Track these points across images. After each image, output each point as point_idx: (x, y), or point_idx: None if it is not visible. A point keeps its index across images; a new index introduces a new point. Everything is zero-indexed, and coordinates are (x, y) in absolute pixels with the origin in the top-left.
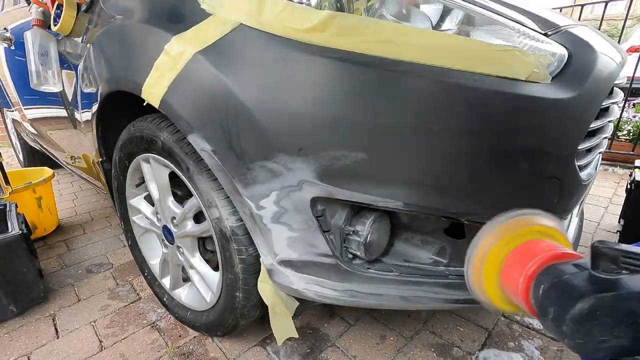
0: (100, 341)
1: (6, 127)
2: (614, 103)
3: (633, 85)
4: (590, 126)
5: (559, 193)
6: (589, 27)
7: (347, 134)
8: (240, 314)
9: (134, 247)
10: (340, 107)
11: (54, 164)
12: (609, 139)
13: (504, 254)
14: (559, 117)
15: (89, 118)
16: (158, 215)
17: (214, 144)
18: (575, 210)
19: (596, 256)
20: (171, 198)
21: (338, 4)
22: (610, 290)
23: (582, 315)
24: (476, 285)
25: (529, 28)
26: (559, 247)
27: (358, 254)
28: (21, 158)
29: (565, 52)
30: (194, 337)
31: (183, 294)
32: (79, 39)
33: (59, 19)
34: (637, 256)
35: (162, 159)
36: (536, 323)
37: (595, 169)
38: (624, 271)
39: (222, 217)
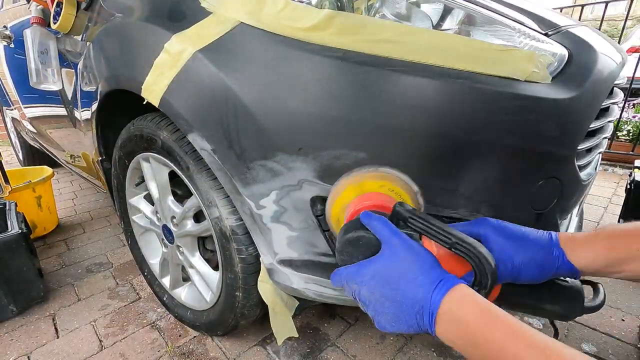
0: (100, 341)
1: (6, 125)
2: (614, 103)
3: (633, 86)
4: (590, 126)
5: (559, 193)
6: (589, 27)
7: (347, 134)
8: (240, 314)
9: (134, 247)
10: (340, 106)
11: (53, 163)
12: (608, 139)
13: (346, 202)
14: (559, 117)
15: (89, 117)
16: (158, 215)
17: (213, 143)
18: (575, 210)
19: (393, 211)
20: (171, 197)
21: (338, 3)
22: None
23: (350, 240)
24: (329, 208)
25: (530, 28)
26: (382, 201)
27: None
28: (21, 157)
29: (565, 52)
30: (194, 336)
31: (183, 294)
32: (79, 37)
33: (59, 16)
34: (423, 222)
35: (162, 158)
36: (535, 322)
37: (595, 168)
38: (409, 229)
39: (222, 217)
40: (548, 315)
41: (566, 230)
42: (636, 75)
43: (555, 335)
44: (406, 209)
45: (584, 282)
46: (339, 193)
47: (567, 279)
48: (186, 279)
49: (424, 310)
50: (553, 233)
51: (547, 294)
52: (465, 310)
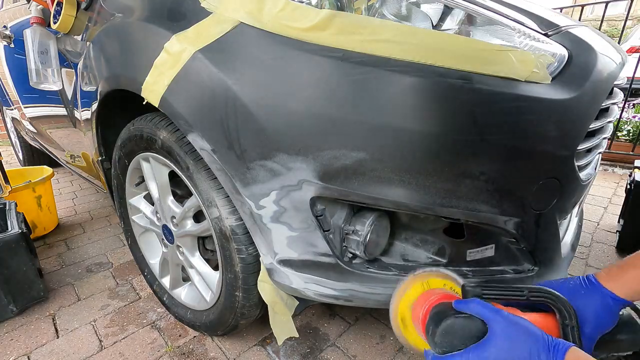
0: (100, 341)
1: (6, 125)
2: (613, 103)
3: (633, 86)
4: (590, 127)
5: (559, 193)
6: (589, 27)
7: (347, 134)
8: (240, 314)
9: (134, 247)
10: (340, 106)
11: (53, 163)
12: (608, 139)
13: (412, 300)
14: (559, 118)
15: (89, 117)
16: (158, 215)
17: (213, 143)
18: (575, 210)
19: (465, 292)
20: (171, 197)
21: (338, 3)
22: (463, 314)
23: (449, 329)
24: (397, 328)
25: (529, 28)
26: (449, 293)
27: (357, 253)
28: (21, 157)
29: (565, 53)
30: (194, 336)
31: (183, 294)
32: (79, 37)
33: (59, 16)
34: (495, 290)
35: (162, 158)
36: None
37: (595, 169)
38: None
39: (222, 217)
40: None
41: (565, 230)
42: (636, 75)
43: None
44: (474, 285)
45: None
46: (405, 291)
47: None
48: (186, 279)
49: None
50: (591, 276)
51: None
52: None
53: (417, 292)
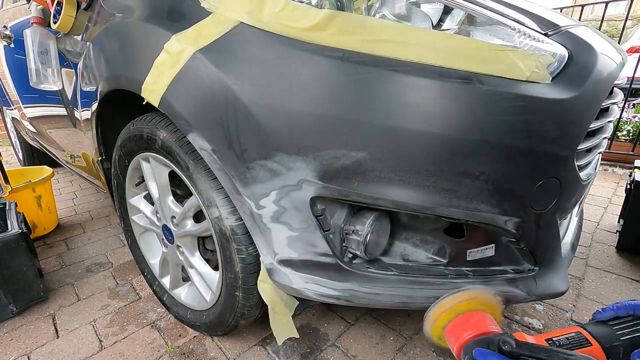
0: (100, 341)
1: (6, 125)
2: (613, 103)
3: (633, 86)
4: (590, 126)
5: (559, 193)
6: (589, 27)
7: (347, 134)
8: (240, 314)
9: (134, 247)
10: (340, 106)
11: (53, 163)
12: (608, 139)
13: (452, 316)
14: (559, 118)
15: (89, 117)
16: (158, 215)
17: (213, 143)
18: (575, 210)
19: (503, 351)
20: (171, 197)
21: (338, 3)
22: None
23: None
24: (429, 326)
25: (529, 28)
26: (488, 325)
27: (358, 253)
28: (21, 157)
29: (565, 52)
30: (194, 336)
31: (183, 294)
32: (79, 37)
33: (59, 16)
34: (531, 354)
35: (162, 158)
36: (535, 323)
37: (595, 169)
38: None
39: (222, 217)
40: None
41: (565, 230)
42: (636, 75)
43: None
44: (514, 345)
45: None
46: (450, 303)
47: None
48: (186, 279)
49: None
50: None
51: None
52: None
53: (460, 309)
